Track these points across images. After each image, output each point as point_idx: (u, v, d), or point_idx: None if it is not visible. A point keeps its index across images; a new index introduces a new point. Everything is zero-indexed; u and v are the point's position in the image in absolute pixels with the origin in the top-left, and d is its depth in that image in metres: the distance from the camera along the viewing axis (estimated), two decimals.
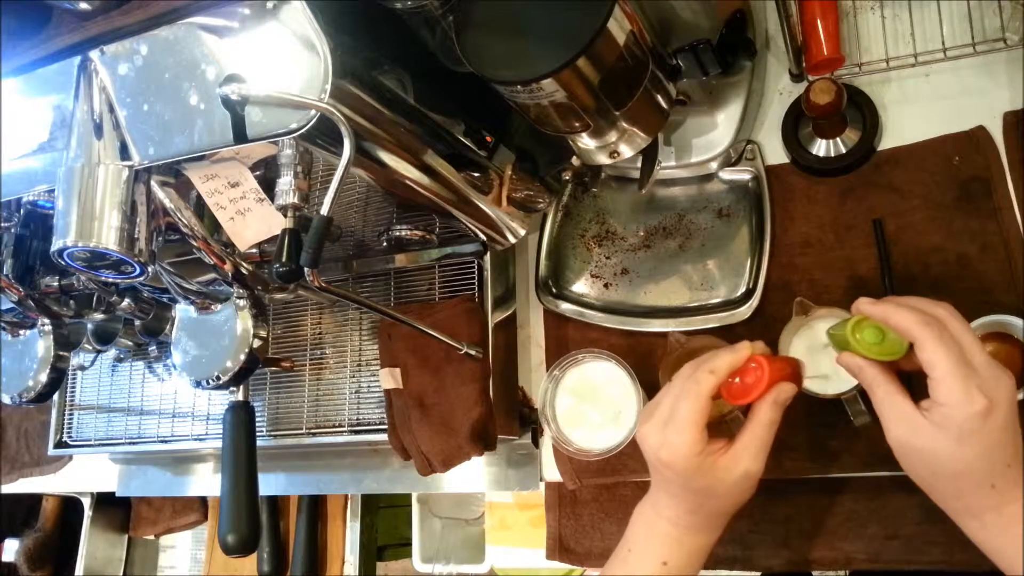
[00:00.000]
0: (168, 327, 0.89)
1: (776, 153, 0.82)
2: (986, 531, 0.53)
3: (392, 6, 0.59)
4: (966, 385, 0.51)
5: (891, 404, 0.55)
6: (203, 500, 1.24)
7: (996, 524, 0.53)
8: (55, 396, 0.99)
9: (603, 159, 0.72)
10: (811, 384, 0.68)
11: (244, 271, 0.69)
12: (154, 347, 1.00)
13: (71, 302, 0.83)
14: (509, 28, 0.58)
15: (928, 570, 0.75)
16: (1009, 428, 0.52)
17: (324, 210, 0.55)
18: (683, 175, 0.83)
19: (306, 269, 0.57)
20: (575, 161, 0.78)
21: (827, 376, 0.68)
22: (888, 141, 0.79)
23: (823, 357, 0.68)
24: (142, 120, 0.56)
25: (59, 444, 1.05)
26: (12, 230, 0.75)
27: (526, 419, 0.88)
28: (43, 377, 0.79)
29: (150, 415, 1.01)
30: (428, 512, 1.16)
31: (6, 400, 0.79)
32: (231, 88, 0.51)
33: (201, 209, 0.65)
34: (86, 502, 1.25)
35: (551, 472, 0.88)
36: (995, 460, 0.52)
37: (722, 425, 0.66)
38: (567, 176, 0.81)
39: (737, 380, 0.60)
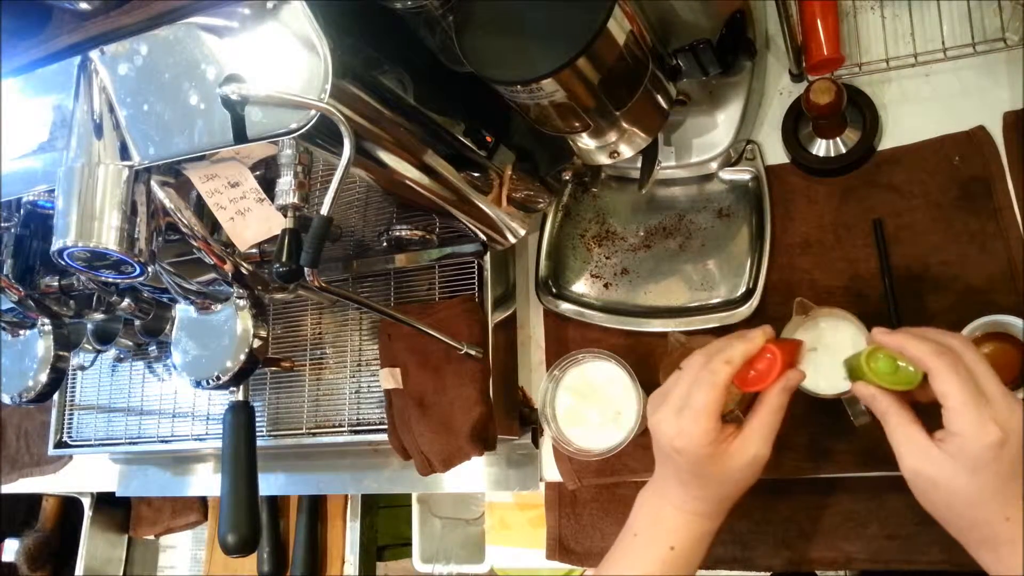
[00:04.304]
0: (168, 327, 0.89)
1: (776, 153, 0.82)
2: (1002, 564, 0.53)
3: (392, 6, 0.59)
4: (980, 415, 0.51)
5: (904, 434, 0.55)
6: (203, 500, 1.24)
7: (1011, 558, 0.52)
8: (55, 396, 0.99)
9: (603, 159, 0.72)
10: (811, 384, 0.68)
11: (244, 271, 0.69)
12: (154, 347, 1.00)
13: (71, 302, 0.83)
14: (509, 28, 0.58)
15: (928, 570, 0.75)
16: (1022, 459, 0.51)
17: (324, 210, 0.55)
18: (683, 175, 0.83)
19: (306, 269, 0.57)
20: (575, 161, 0.78)
21: (827, 376, 0.68)
22: (888, 141, 0.78)
23: (823, 357, 0.68)
24: (142, 120, 0.56)
25: (59, 444, 1.05)
26: (12, 230, 0.75)
27: (526, 419, 0.87)
28: (43, 377, 0.79)
29: (150, 415, 1.01)
30: (428, 512, 1.16)
31: (6, 400, 0.79)
32: (231, 88, 0.51)
33: (201, 209, 0.65)
34: (86, 502, 1.24)
35: (551, 472, 0.88)
36: (1010, 491, 0.51)
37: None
38: (567, 176, 0.81)
39: (751, 369, 0.61)
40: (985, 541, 0.53)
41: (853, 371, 0.60)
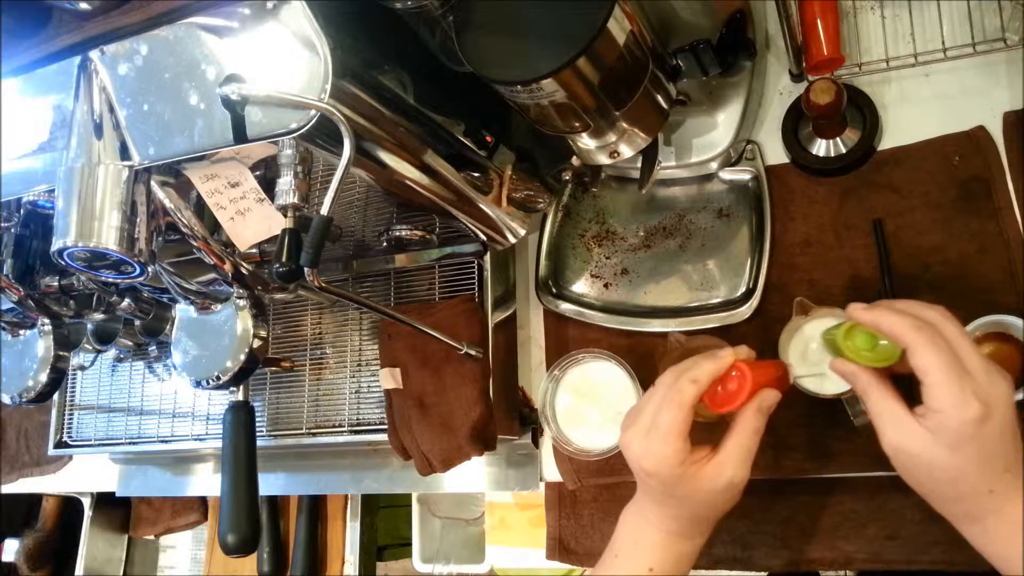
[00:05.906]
0: (168, 327, 0.89)
1: (776, 153, 0.82)
2: (987, 536, 0.53)
3: (392, 6, 0.59)
4: (960, 390, 0.50)
5: (885, 410, 0.54)
6: (203, 500, 1.24)
7: (997, 529, 0.52)
8: (55, 396, 0.99)
9: (603, 159, 0.72)
10: (811, 384, 0.68)
11: (244, 271, 0.69)
12: (154, 347, 1.00)
13: (71, 302, 0.83)
14: (509, 28, 0.58)
15: (928, 570, 0.75)
16: (1006, 433, 0.51)
17: (324, 210, 0.55)
18: (683, 175, 0.83)
19: (306, 269, 0.57)
20: (575, 161, 0.78)
21: (827, 376, 0.68)
22: (888, 141, 0.79)
23: (823, 357, 0.68)
24: (142, 120, 0.56)
25: (59, 444, 1.05)
26: (12, 230, 0.75)
27: (526, 419, 0.88)
28: (43, 377, 0.79)
29: (150, 415, 1.01)
30: (428, 512, 1.16)
31: (6, 400, 0.79)
32: (231, 88, 0.51)
33: (201, 209, 0.65)
34: (86, 502, 1.25)
35: (551, 472, 0.88)
36: (992, 465, 0.51)
37: (720, 424, 0.65)
38: (567, 176, 0.81)
39: (720, 388, 0.60)
40: (969, 514, 0.53)
41: (831, 346, 0.59)
